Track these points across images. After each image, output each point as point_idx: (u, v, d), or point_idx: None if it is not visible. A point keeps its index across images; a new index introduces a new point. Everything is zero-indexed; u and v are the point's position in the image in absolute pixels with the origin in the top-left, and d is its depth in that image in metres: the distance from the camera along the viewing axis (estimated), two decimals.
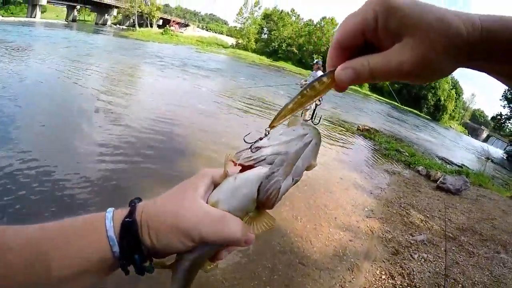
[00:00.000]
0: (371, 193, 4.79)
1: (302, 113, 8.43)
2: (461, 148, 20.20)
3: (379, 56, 0.35)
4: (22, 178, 3.11)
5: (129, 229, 0.41)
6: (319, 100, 0.42)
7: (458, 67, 0.35)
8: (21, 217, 2.61)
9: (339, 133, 8.88)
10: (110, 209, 0.44)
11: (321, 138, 0.43)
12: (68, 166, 3.50)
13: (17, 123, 4.40)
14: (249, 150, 0.43)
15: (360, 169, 6.00)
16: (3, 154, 3.48)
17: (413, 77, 0.34)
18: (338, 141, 7.85)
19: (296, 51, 43.80)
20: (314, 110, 0.48)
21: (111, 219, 0.42)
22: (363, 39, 0.36)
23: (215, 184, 0.46)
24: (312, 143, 0.42)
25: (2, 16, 31.85)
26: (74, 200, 2.95)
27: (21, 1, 40.20)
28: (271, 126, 0.44)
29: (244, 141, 0.45)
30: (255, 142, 0.44)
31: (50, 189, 3.03)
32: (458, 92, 57.36)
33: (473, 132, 59.71)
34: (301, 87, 7.84)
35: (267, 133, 0.44)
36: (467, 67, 0.36)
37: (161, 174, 3.77)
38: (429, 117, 47.56)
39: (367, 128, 10.28)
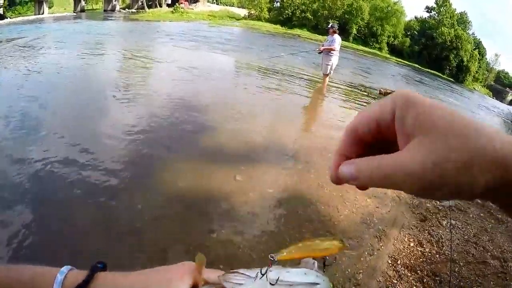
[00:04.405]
0: None
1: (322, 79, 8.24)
2: (486, 111, 19.33)
3: (387, 157, 0.29)
4: (55, 162, 3.20)
5: None
6: None
7: (479, 192, 0.26)
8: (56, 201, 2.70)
9: (360, 98, 8.67)
10: (65, 269, 0.40)
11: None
12: (96, 145, 3.56)
13: (43, 116, 4.50)
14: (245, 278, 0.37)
15: None
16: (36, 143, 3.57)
17: (422, 187, 0.26)
18: (359, 106, 7.67)
19: (310, 17, 42.31)
20: (324, 262, 0.41)
21: (60, 283, 0.38)
22: (378, 132, 0.31)
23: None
24: None
25: (10, 17, 31.94)
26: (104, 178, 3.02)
27: (27, 0, 40.15)
28: (278, 258, 0.38)
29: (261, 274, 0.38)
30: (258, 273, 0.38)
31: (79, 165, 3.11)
32: (482, 52, 54.14)
33: (498, 95, 56.62)
34: (319, 53, 7.75)
35: (272, 261, 0.38)
36: (490, 201, 0.28)
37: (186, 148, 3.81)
38: (451, 79, 45.33)
39: (389, 91, 9.92)
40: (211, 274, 0.42)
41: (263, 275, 0.37)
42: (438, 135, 0.26)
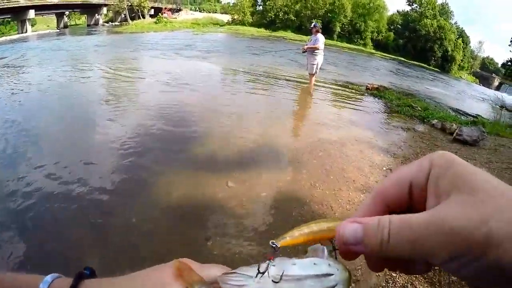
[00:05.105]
0: (387, 151, 4.69)
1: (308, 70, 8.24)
2: (474, 98, 19.48)
3: (408, 215, 0.26)
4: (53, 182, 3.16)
5: None
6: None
7: None
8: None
9: (348, 95, 8.70)
10: (50, 277, 0.38)
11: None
12: (86, 163, 3.53)
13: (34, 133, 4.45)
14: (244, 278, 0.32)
15: (374, 128, 5.87)
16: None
17: (461, 249, 0.22)
18: (348, 103, 7.70)
19: (293, 18, 42.61)
20: (334, 248, 0.33)
21: None
22: (408, 194, 0.29)
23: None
24: None
25: None
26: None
27: (10, 19, 39.90)
28: (281, 244, 0.34)
29: (258, 271, 0.32)
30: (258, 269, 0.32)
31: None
32: (465, 40, 54.91)
33: (485, 81, 57.42)
34: (303, 52, 7.78)
35: (275, 249, 0.34)
36: None
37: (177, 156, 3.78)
38: (438, 70, 45.86)
39: (376, 86, 9.99)
40: (212, 270, 0.39)
41: (263, 272, 0.31)
42: (485, 195, 0.23)
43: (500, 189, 0.23)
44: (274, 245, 0.34)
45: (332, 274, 0.30)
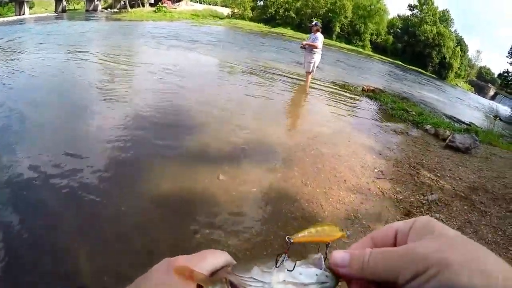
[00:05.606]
0: (380, 154, 4.71)
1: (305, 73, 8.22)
2: (468, 106, 19.66)
3: (386, 248, 0.34)
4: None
5: None
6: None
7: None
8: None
9: (343, 95, 8.71)
10: None
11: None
12: (76, 152, 3.48)
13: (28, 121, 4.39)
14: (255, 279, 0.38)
15: (368, 130, 5.89)
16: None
17: (428, 262, 0.29)
18: (343, 104, 7.71)
19: (294, 15, 42.43)
20: (326, 255, 0.40)
21: None
22: (393, 240, 0.36)
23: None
24: None
25: None
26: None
27: (7, 1, 39.25)
28: (294, 240, 0.41)
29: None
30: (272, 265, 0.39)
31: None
32: (463, 49, 55.09)
33: (480, 90, 57.92)
34: (301, 47, 7.75)
35: (288, 245, 0.40)
36: None
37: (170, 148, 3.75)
38: (434, 76, 46.08)
39: (372, 88, 10.02)
40: (209, 260, 0.40)
41: (289, 270, 0.38)
42: (447, 238, 0.30)
43: (459, 237, 0.30)
44: (289, 240, 0.41)
45: (328, 283, 0.38)
